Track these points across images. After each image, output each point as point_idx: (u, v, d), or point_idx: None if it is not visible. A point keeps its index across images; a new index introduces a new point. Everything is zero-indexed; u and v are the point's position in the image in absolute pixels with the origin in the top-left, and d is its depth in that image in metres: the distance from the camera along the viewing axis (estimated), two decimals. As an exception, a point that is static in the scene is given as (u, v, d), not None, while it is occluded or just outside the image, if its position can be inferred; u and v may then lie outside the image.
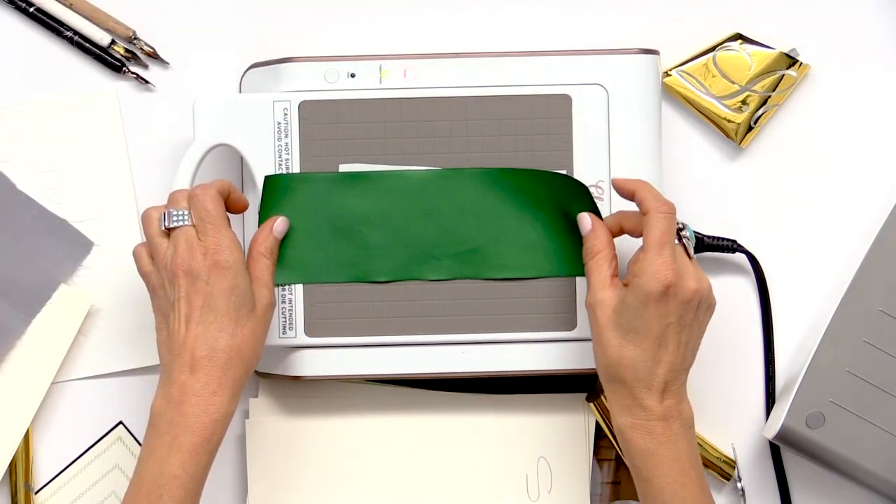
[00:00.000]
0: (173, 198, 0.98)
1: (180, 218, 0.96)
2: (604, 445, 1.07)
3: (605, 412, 1.06)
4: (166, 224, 0.97)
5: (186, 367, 0.95)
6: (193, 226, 0.96)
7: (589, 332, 0.98)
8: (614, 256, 0.98)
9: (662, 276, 0.93)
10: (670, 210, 0.96)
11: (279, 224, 1.01)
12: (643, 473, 0.95)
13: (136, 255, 0.99)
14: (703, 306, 0.96)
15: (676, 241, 0.96)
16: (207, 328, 0.95)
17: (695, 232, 1.06)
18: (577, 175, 1.02)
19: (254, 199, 1.03)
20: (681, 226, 0.97)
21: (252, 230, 1.03)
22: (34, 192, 1.08)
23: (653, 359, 0.94)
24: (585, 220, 0.99)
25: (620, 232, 1.00)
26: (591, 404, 1.06)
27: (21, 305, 1.07)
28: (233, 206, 1.00)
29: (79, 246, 1.08)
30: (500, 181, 1.02)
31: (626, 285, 0.96)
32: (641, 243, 0.96)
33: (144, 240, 0.99)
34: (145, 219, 0.98)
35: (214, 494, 1.08)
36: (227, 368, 0.95)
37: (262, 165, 1.03)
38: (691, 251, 0.97)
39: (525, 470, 1.05)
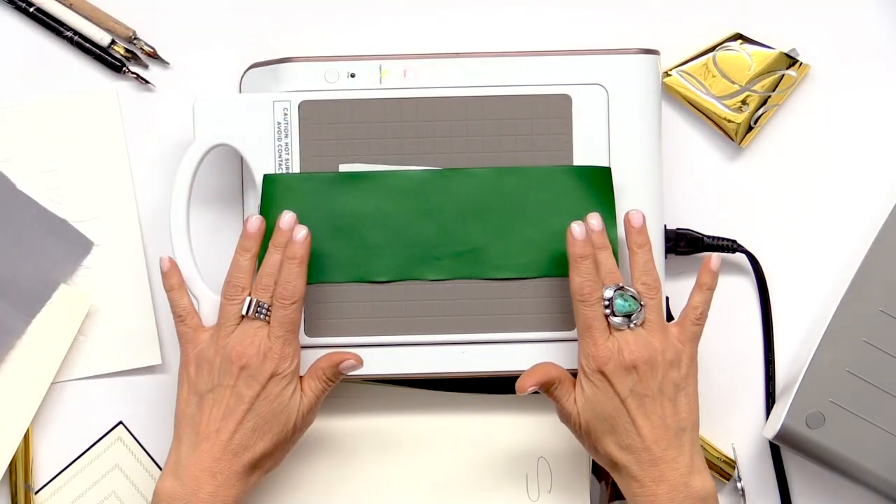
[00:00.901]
0: (262, 284, 0.98)
1: (262, 313, 0.97)
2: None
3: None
4: (248, 313, 0.97)
5: (212, 454, 0.95)
6: (268, 323, 0.97)
7: None
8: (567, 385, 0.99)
9: (591, 360, 0.97)
10: (581, 294, 0.97)
11: (348, 366, 1.00)
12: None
13: (189, 314, 1.00)
14: (664, 369, 0.97)
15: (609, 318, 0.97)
16: (241, 428, 0.96)
17: (694, 232, 1.06)
18: (577, 175, 1.02)
19: (254, 200, 1.03)
20: (605, 302, 0.97)
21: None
22: (34, 192, 1.08)
23: (628, 435, 0.96)
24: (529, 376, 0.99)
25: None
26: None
27: (21, 305, 1.06)
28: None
29: (79, 246, 1.08)
30: (500, 180, 1.02)
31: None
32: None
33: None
34: (232, 293, 0.98)
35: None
36: (250, 469, 0.97)
37: (262, 165, 1.03)
38: (632, 323, 0.97)
39: (525, 470, 1.05)
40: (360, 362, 1.00)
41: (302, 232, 0.98)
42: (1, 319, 1.06)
